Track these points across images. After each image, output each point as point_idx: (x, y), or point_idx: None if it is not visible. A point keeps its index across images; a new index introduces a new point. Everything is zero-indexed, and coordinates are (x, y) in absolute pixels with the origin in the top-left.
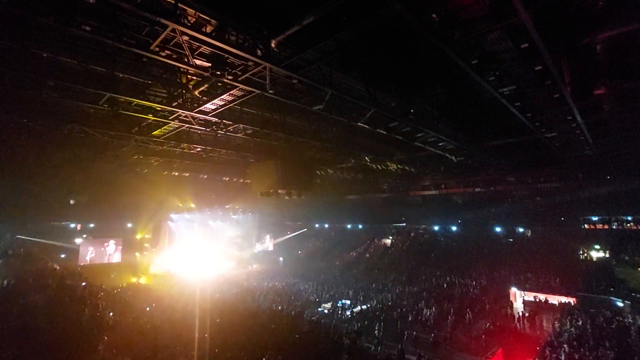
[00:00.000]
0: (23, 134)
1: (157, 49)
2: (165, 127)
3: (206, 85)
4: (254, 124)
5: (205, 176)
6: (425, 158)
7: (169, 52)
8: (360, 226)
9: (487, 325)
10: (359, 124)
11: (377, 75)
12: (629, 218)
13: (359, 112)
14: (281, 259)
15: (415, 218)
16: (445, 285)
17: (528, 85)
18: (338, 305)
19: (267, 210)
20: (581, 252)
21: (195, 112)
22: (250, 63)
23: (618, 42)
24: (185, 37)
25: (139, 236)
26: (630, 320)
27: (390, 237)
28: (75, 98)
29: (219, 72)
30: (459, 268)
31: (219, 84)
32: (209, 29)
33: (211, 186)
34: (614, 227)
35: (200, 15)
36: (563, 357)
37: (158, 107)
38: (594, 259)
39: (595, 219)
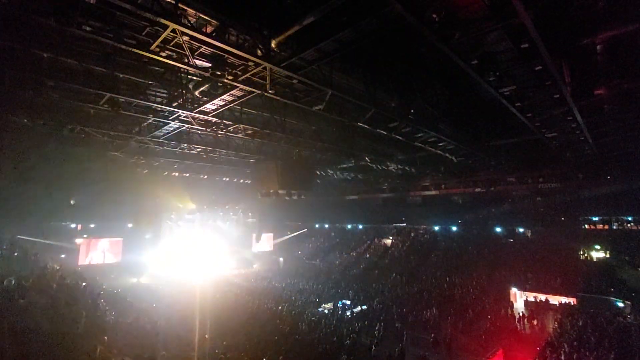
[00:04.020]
0: (23, 134)
1: (158, 49)
2: (165, 127)
3: (206, 86)
4: (254, 124)
5: (205, 176)
6: (425, 158)
7: (169, 53)
8: (360, 226)
9: (487, 325)
10: (359, 124)
11: (377, 75)
12: (629, 218)
13: (359, 112)
14: (281, 259)
15: (415, 218)
16: (445, 285)
17: (528, 85)
18: (338, 305)
19: (267, 210)
20: (581, 252)
21: (196, 113)
22: (250, 63)
23: (618, 42)
24: (186, 38)
25: (139, 236)
26: (630, 320)
27: (391, 237)
28: (75, 98)
29: (219, 73)
30: (459, 268)
31: (219, 84)
32: (209, 29)
33: (211, 186)
34: (614, 227)
35: (201, 15)
36: (563, 358)
37: (158, 107)
38: (594, 259)
39: (595, 219)
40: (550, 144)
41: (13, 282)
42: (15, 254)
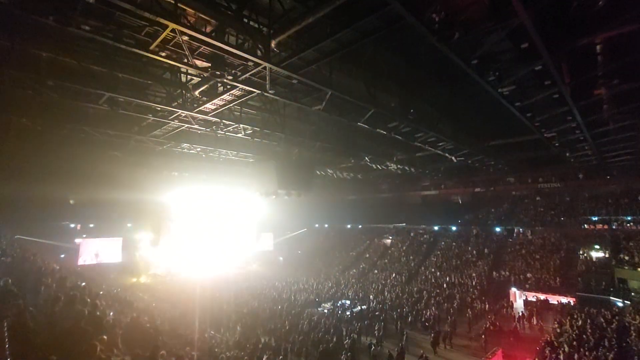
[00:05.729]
0: (23, 134)
1: (157, 49)
2: (165, 127)
3: (206, 86)
4: (254, 124)
5: (205, 176)
6: (425, 158)
7: (168, 52)
8: (360, 226)
9: (487, 325)
10: (359, 124)
11: (377, 75)
12: (629, 218)
13: (359, 112)
14: (281, 258)
15: (415, 218)
16: (445, 285)
17: (528, 85)
18: (338, 305)
19: (267, 210)
20: (581, 252)
21: (195, 112)
22: (250, 63)
23: (618, 42)
24: (185, 37)
25: (139, 236)
26: (630, 320)
27: (390, 237)
28: (75, 98)
29: (218, 72)
30: (459, 268)
31: (219, 84)
32: (208, 29)
33: (211, 186)
34: (614, 227)
35: (200, 15)
36: (563, 357)
37: (158, 107)
38: (594, 259)
39: (595, 219)
40: (550, 144)
41: (10, 281)
42: (14, 254)
